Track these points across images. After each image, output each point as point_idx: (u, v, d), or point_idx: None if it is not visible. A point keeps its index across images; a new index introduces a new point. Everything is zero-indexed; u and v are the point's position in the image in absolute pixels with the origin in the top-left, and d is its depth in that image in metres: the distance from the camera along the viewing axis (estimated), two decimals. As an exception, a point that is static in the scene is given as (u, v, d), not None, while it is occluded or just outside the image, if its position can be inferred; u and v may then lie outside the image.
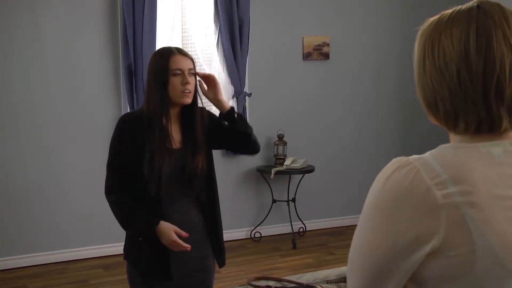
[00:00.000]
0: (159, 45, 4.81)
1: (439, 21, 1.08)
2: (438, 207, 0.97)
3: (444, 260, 0.99)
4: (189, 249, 2.31)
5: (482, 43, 1.01)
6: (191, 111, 2.41)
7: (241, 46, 5.07)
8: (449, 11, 1.08)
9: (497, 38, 1.01)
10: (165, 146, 2.34)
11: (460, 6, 1.07)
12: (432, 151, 1.06)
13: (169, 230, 2.29)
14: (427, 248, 0.99)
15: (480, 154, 1.02)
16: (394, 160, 1.05)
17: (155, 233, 2.30)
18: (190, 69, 2.36)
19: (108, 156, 2.40)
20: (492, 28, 1.02)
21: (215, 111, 2.56)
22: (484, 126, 1.04)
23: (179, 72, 2.33)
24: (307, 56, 5.50)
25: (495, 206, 0.98)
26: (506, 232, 0.98)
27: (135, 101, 4.73)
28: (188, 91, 2.34)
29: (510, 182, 1.00)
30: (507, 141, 1.04)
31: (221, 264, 2.56)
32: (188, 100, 2.36)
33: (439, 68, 1.05)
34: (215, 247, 2.52)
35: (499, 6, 1.05)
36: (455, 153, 1.04)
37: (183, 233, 2.30)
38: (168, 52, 2.38)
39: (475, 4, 1.06)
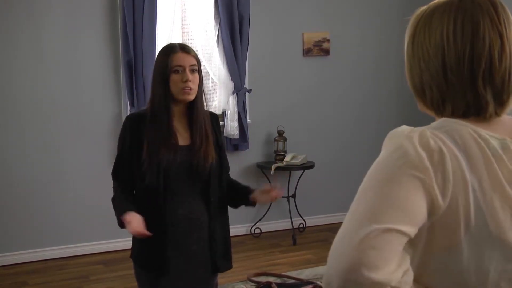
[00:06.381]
0: (159, 41, 4.80)
1: (425, 10, 1.11)
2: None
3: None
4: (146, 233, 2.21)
5: (468, 31, 1.04)
6: (195, 108, 2.38)
7: (241, 42, 5.06)
8: (436, 1, 1.11)
9: (485, 25, 1.04)
10: (169, 142, 2.33)
11: None
12: (437, 124, 1.07)
13: (128, 224, 2.22)
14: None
15: (478, 138, 1.04)
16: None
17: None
18: (191, 65, 2.34)
19: (115, 160, 2.43)
20: (479, 15, 1.04)
21: (214, 110, 2.56)
22: (471, 111, 1.06)
23: (179, 69, 2.32)
24: (307, 52, 5.50)
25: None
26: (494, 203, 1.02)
27: (135, 97, 4.72)
28: (188, 88, 2.32)
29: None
30: (509, 139, 1.06)
31: (227, 266, 2.51)
32: (190, 97, 2.34)
33: (427, 55, 1.08)
34: (223, 247, 2.48)
35: None
36: (457, 126, 1.05)
37: (144, 231, 2.21)
38: (170, 49, 2.37)
39: None
